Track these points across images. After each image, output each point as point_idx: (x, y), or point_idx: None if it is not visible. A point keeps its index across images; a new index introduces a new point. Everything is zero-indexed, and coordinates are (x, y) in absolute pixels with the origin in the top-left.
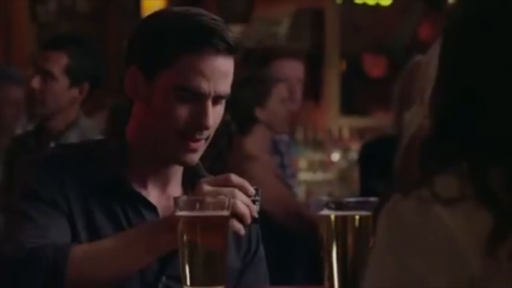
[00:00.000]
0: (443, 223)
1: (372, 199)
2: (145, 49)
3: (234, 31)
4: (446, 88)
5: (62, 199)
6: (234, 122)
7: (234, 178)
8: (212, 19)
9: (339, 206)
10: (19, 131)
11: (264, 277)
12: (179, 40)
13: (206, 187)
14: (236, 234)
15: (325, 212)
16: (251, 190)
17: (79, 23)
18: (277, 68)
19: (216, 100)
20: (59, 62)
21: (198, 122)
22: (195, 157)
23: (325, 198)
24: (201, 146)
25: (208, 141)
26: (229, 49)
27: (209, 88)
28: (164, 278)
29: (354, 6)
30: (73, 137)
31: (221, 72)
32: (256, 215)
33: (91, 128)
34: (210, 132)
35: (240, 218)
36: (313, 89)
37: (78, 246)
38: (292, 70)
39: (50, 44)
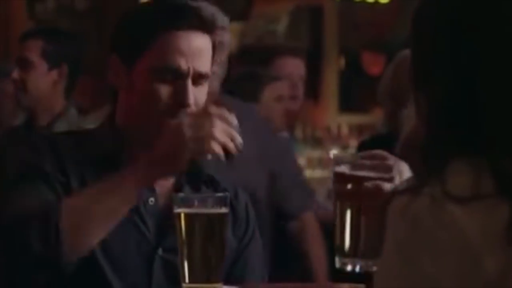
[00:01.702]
0: (457, 223)
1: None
2: (123, 36)
3: (233, 28)
4: (446, 80)
5: (59, 174)
6: None
7: (213, 108)
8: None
9: (355, 166)
10: None
11: (258, 263)
12: (153, 21)
13: (185, 117)
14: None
15: (341, 169)
16: (232, 120)
17: (77, 21)
18: (279, 66)
19: (197, 79)
20: (35, 48)
21: (179, 100)
22: None
23: (346, 155)
24: None
25: None
26: (203, 26)
27: (186, 64)
28: (160, 250)
29: (353, 4)
30: (61, 128)
31: (197, 48)
32: (240, 145)
33: (80, 119)
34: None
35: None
36: (312, 87)
37: (66, 198)
38: (294, 67)
39: (28, 34)
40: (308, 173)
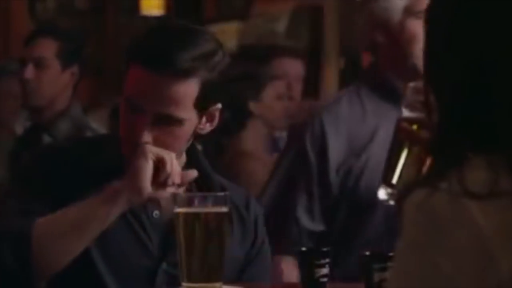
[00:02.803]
0: (475, 221)
1: None
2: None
3: (232, 28)
4: (459, 76)
5: (57, 189)
6: (232, 118)
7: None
8: (186, 38)
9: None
10: (18, 128)
11: (265, 277)
12: (130, 51)
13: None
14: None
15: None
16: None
17: (77, 20)
18: (277, 66)
19: (162, 120)
20: (49, 47)
21: (132, 135)
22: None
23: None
24: None
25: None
26: (174, 75)
27: (146, 106)
28: (164, 264)
29: (353, 3)
30: (64, 125)
31: (163, 96)
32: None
33: (84, 117)
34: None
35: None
36: (311, 86)
37: (41, 218)
38: (290, 67)
39: (37, 33)
40: None
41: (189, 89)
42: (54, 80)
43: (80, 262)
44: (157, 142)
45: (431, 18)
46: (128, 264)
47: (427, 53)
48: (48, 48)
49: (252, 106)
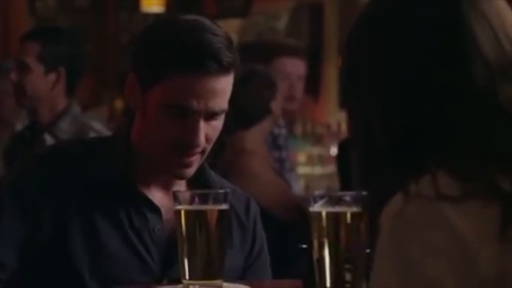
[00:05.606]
0: (452, 223)
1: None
2: (141, 61)
3: (233, 25)
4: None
5: (47, 200)
6: (246, 115)
7: None
8: (213, 34)
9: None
10: (19, 126)
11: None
12: (169, 58)
13: None
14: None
15: (316, 208)
16: None
17: (77, 18)
18: (279, 66)
19: (210, 117)
20: (32, 52)
21: (188, 139)
22: (189, 171)
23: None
24: (196, 160)
25: (205, 154)
26: (222, 70)
27: (199, 106)
28: (166, 280)
29: (353, 1)
30: (65, 126)
31: (213, 91)
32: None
33: (84, 116)
34: (205, 146)
35: None
36: (311, 84)
37: None
38: (293, 67)
39: (27, 36)
40: (308, 169)
41: (230, 82)
42: (36, 82)
43: (79, 280)
44: (206, 139)
45: (379, 52)
46: (128, 281)
47: (366, 81)
48: (29, 52)
49: (273, 105)
